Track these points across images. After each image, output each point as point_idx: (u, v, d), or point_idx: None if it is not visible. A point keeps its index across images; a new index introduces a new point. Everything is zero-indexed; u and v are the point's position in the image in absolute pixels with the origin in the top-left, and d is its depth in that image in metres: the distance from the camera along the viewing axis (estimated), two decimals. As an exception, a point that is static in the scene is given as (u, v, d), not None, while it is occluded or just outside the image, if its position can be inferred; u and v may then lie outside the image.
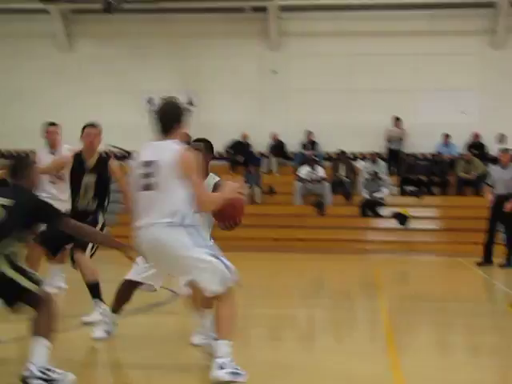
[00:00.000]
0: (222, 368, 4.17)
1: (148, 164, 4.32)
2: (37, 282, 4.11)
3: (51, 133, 8.06)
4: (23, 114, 17.35)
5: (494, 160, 14.06)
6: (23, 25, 17.80)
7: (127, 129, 16.41)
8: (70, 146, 7.39)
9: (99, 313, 5.72)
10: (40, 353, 3.99)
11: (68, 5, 16.80)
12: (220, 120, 16.83)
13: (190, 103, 17.12)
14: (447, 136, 16.47)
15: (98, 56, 17.69)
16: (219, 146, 16.64)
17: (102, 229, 6.19)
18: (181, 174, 4.25)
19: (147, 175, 4.31)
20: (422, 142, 16.71)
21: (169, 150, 4.30)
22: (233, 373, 4.17)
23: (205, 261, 4.23)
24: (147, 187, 4.31)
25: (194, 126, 20.23)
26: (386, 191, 15.85)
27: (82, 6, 16.55)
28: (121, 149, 16.68)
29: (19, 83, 17.65)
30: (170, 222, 4.25)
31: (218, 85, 17.27)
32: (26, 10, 17.67)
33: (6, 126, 17.27)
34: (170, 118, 4.43)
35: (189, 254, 4.23)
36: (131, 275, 5.17)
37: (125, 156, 16.61)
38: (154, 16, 17.58)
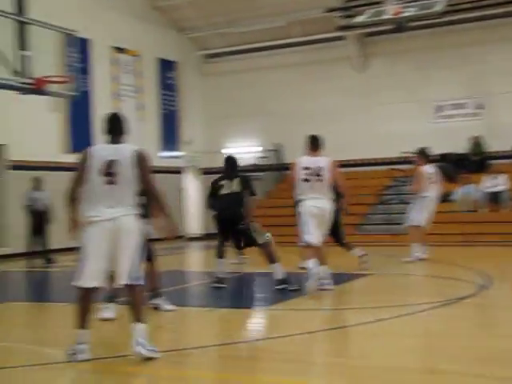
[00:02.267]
0: None
1: None
2: None
3: None
4: (322, 130, 19.92)
5: None
6: (322, 52, 20.51)
7: (415, 135, 18.14)
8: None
9: None
10: None
11: (362, 29, 18.92)
12: (509, 121, 17.69)
13: (480, 107, 18.23)
14: None
15: (388, 72, 19.62)
16: (509, 146, 17.48)
17: None
18: None
19: None
20: None
21: None
22: None
23: None
24: None
25: (483, 128, 21.36)
26: None
27: (374, 29, 18.54)
28: (411, 152, 18.40)
29: (320, 103, 20.31)
30: None
31: (505, 87, 18.03)
32: (324, 39, 20.30)
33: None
34: None
35: None
36: None
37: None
38: (440, 29, 18.94)
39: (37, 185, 14.50)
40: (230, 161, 9.73)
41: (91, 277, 5.35)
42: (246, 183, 9.40)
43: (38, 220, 14.38)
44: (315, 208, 8.35)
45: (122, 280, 5.38)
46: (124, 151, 5.49)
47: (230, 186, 9.37)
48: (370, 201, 18.37)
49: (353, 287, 9.52)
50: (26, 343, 6.30)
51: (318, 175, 8.45)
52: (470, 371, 4.81)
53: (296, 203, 8.71)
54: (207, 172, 22.09)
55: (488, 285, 8.80)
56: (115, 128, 5.66)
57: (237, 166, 9.78)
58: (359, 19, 15.14)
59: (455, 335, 6.12)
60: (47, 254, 14.48)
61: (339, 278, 10.10)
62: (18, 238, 15.27)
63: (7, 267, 14.03)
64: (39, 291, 10.24)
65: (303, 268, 8.81)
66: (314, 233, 8.30)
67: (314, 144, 8.91)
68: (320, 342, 6.07)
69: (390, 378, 4.74)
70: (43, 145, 16.66)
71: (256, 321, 7.59)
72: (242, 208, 9.15)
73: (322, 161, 8.62)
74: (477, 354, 5.35)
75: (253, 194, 9.36)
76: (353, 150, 19.68)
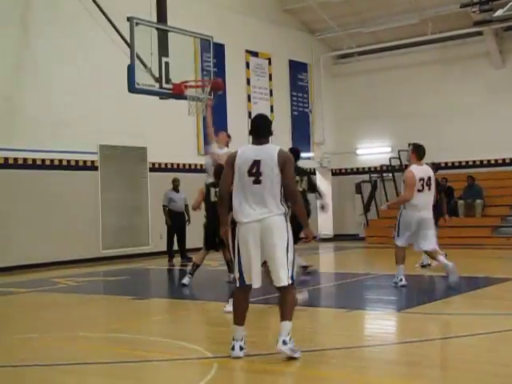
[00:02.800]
0: None
1: None
2: None
3: None
4: (463, 129, 19.35)
5: None
6: (457, 49, 19.87)
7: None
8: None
9: None
10: None
11: (500, 24, 18.14)
12: None
13: None
14: None
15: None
16: None
17: None
18: None
19: None
20: None
21: None
22: None
23: None
24: None
25: None
26: None
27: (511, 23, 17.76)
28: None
29: (455, 102, 19.68)
30: None
31: None
32: (460, 35, 19.65)
33: (447, 140, 19.41)
34: None
35: None
36: None
37: None
38: None
39: (175, 186, 15.11)
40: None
41: (252, 277, 5.48)
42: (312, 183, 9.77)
43: (177, 220, 14.98)
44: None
45: (281, 282, 5.45)
46: (269, 152, 5.53)
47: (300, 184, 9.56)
48: (510, 202, 17.61)
49: (493, 292, 9.17)
50: (171, 338, 6.58)
51: (429, 185, 9.31)
52: None
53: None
54: (338, 173, 22.09)
55: None
56: (261, 129, 5.70)
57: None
58: (498, 13, 14.59)
59: None
60: (185, 253, 15.04)
61: (478, 282, 9.80)
62: (157, 237, 16.00)
63: (148, 265, 14.72)
64: (179, 288, 10.65)
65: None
66: None
67: (421, 153, 9.28)
68: (455, 348, 5.91)
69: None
70: (181, 147, 17.30)
71: (392, 324, 7.51)
72: None
73: (429, 171, 9.43)
74: None
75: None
76: (494, 149, 18.93)
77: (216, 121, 18.22)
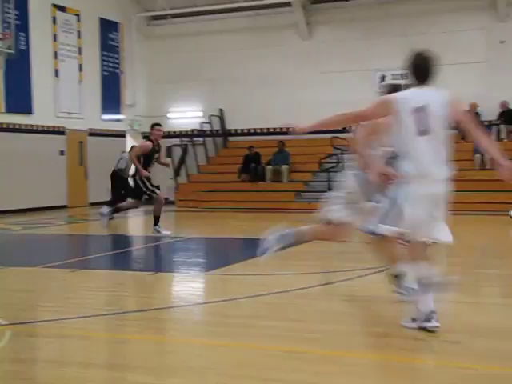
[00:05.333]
0: None
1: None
2: None
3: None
4: (272, 96, 19.95)
5: None
6: (268, 18, 20.36)
7: (359, 104, 18.31)
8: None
9: None
10: None
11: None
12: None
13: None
14: None
15: (333, 40, 19.61)
16: (449, 117, 17.83)
17: None
18: None
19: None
20: None
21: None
22: None
23: None
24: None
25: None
26: None
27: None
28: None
29: (265, 70, 20.21)
30: None
31: (448, 59, 18.26)
32: (269, 5, 20.12)
33: (257, 108, 19.91)
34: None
35: None
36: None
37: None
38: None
39: None
40: None
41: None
42: None
43: None
44: None
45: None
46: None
47: None
48: (313, 168, 18.51)
49: (293, 253, 9.58)
50: None
51: None
52: (402, 333, 4.93)
53: None
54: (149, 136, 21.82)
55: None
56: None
57: None
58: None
59: (379, 300, 6.27)
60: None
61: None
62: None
63: None
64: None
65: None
66: None
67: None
68: (257, 306, 6.11)
69: (322, 338, 4.83)
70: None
71: (197, 285, 7.60)
72: None
73: None
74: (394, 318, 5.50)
75: None
76: (296, 118, 19.66)
77: (18, 78, 17.32)
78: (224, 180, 18.91)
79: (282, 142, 18.80)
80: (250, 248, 10.21)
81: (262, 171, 18.63)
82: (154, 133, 11.53)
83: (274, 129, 20.09)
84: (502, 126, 17.60)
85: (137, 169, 11.52)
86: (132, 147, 12.15)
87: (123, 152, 16.74)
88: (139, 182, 11.44)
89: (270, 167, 18.58)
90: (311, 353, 4.55)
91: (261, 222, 13.48)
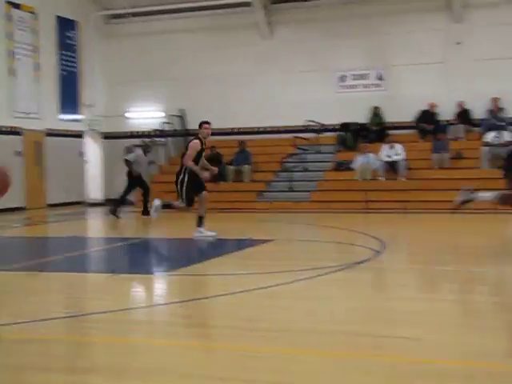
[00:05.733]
0: None
1: None
2: None
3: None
4: (233, 96, 19.92)
5: None
6: (229, 18, 20.33)
7: (320, 104, 18.66)
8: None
9: None
10: None
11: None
12: (408, 92, 18.19)
13: (380, 78, 18.68)
14: None
15: (294, 40, 19.66)
16: (408, 117, 18.04)
17: None
18: None
19: None
20: None
21: None
22: None
23: None
24: None
25: (384, 99, 21.99)
26: None
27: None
28: (317, 122, 18.75)
29: (226, 69, 20.17)
30: None
31: (406, 59, 18.52)
32: (230, 5, 20.09)
33: (217, 108, 19.85)
34: None
35: None
36: None
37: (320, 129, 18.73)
38: (345, -1, 19.19)
39: None
40: None
41: None
42: None
43: None
44: None
45: None
46: None
47: None
48: (274, 168, 18.54)
49: (255, 253, 9.59)
50: None
51: None
52: (360, 330, 4.96)
53: None
54: (108, 136, 21.60)
55: (382, 250, 9.11)
56: None
57: None
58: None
59: (348, 297, 6.30)
60: None
61: (242, 244, 10.20)
62: None
63: None
64: None
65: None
66: None
67: None
68: (217, 307, 6.08)
69: (275, 337, 4.83)
70: None
71: (158, 286, 7.53)
72: None
73: None
74: (364, 315, 5.54)
75: None
76: (257, 118, 19.77)
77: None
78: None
79: (243, 142, 18.80)
80: (211, 248, 10.23)
81: (224, 171, 18.58)
82: (203, 131, 10.82)
83: (236, 129, 20.07)
84: (460, 126, 17.86)
85: (185, 171, 10.87)
86: (183, 154, 10.98)
87: (135, 146, 17.34)
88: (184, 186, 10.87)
89: (231, 167, 18.55)
90: (272, 352, 4.54)
91: (223, 222, 13.44)
